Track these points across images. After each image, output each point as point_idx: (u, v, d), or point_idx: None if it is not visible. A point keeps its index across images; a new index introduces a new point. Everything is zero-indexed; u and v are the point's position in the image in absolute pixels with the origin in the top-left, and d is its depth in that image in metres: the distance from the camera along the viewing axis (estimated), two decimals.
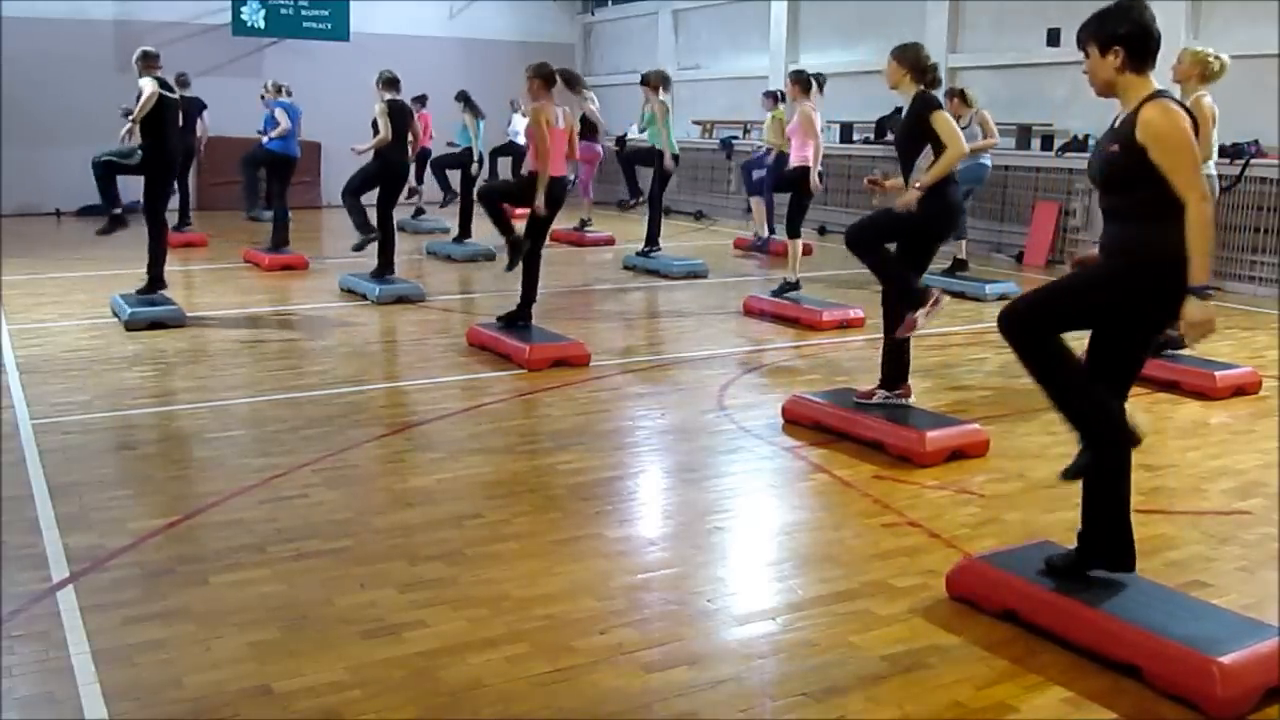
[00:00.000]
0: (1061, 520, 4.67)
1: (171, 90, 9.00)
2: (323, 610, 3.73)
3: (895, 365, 6.01)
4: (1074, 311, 3.57)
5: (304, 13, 18.53)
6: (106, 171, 9.03)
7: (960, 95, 10.38)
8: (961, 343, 8.37)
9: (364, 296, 9.89)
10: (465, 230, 13.20)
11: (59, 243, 14.42)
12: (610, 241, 14.09)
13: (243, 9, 18.06)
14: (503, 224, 7.96)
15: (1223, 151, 10.97)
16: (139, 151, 8.91)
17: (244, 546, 4.27)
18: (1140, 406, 6.57)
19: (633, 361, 7.68)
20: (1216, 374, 6.85)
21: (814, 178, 9.42)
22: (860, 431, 5.69)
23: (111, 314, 8.86)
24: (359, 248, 10.03)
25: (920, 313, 5.70)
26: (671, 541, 4.49)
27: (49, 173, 17.26)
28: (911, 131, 5.76)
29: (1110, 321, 3.53)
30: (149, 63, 9.01)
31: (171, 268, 10.02)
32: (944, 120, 5.61)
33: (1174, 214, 3.35)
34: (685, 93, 19.52)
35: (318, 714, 3.09)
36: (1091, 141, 12.53)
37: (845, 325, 8.81)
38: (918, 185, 5.61)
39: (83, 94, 17.33)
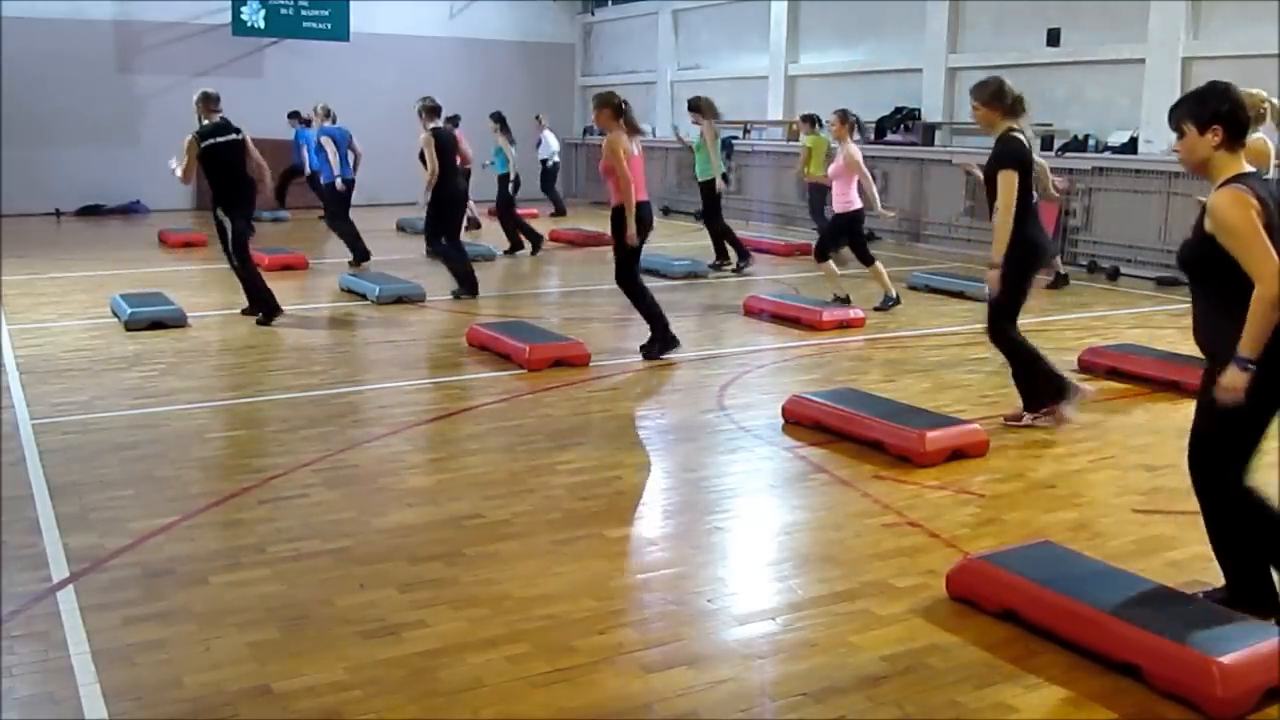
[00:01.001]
0: (1061, 520, 4.68)
1: (224, 132, 8.76)
2: (323, 610, 3.73)
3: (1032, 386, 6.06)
4: (1236, 427, 3.52)
5: (304, 13, 18.54)
6: (242, 261, 8.87)
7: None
8: (961, 343, 8.37)
9: (364, 296, 9.90)
10: (516, 243, 13.26)
11: (59, 243, 14.41)
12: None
13: (243, 9, 18.06)
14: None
15: None
16: (217, 214, 8.78)
17: (244, 546, 4.27)
18: (1141, 407, 6.58)
19: (633, 361, 7.68)
20: None
21: (881, 209, 9.76)
22: (860, 431, 5.69)
23: (111, 314, 8.86)
24: (458, 295, 10.08)
25: (1067, 406, 5.95)
26: (671, 541, 4.49)
27: (49, 173, 17.29)
28: (989, 177, 5.85)
29: (1254, 408, 3.45)
30: (199, 108, 8.87)
31: (171, 268, 10.02)
32: (1005, 180, 5.70)
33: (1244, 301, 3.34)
34: (685, 93, 19.49)
35: (318, 714, 3.09)
36: (1092, 142, 12.56)
37: (845, 325, 8.80)
38: (991, 267, 5.81)
39: (83, 94, 17.36)
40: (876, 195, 9.76)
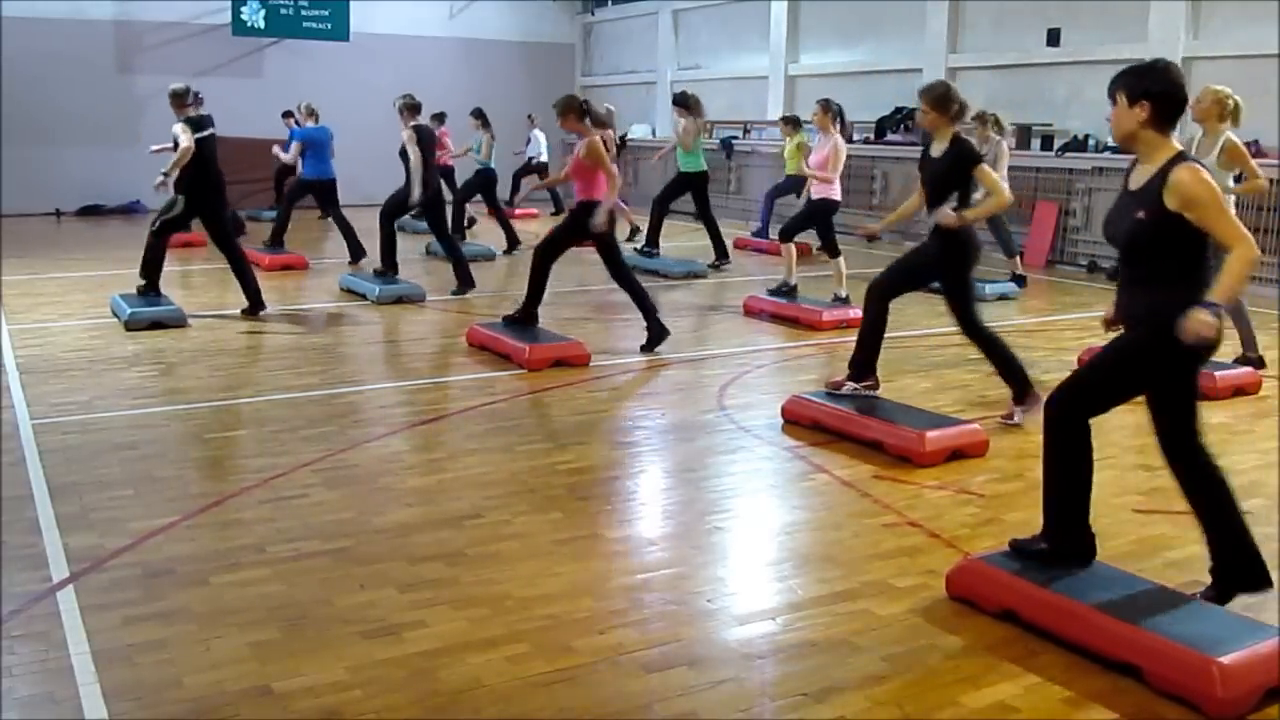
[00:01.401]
0: None
1: (205, 126, 8.88)
2: (323, 610, 3.73)
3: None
4: (1118, 387, 3.74)
5: (304, 13, 18.53)
6: (160, 238, 9.05)
7: (995, 122, 10.39)
8: (961, 343, 8.35)
9: (364, 296, 9.90)
10: (512, 239, 13.35)
11: (59, 243, 14.40)
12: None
13: (243, 9, 18.06)
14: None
15: None
16: (178, 199, 8.91)
17: (244, 546, 4.27)
18: (1141, 406, 6.57)
19: (632, 361, 7.68)
20: (1216, 374, 6.85)
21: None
22: (860, 431, 5.69)
23: (111, 314, 8.86)
24: (460, 291, 10.18)
25: (1019, 409, 6.04)
26: (671, 541, 4.49)
27: (49, 173, 17.28)
28: (948, 176, 5.91)
29: (1154, 386, 3.69)
30: (179, 103, 8.92)
31: (171, 268, 10.03)
32: (987, 173, 5.93)
33: (1195, 278, 3.49)
34: None
35: (318, 714, 3.09)
36: (1092, 142, 12.54)
37: (845, 325, 8.79)
38: (954, 211, 5.83)
39: (83, 94, 17.36)
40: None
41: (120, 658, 3.37)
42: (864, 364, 6.18)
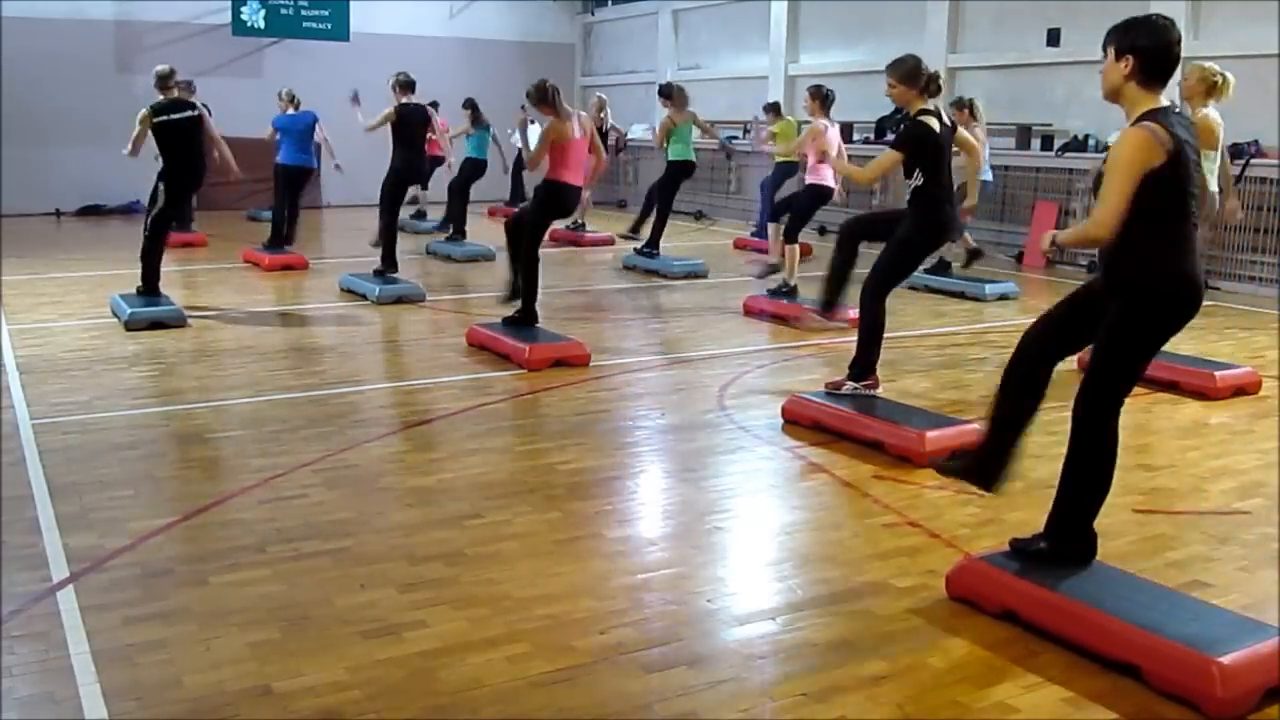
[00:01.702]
0: None
1: (179, 109, 8.91)
2: (323, 610, 3.73)
3: (865, 355, 6.19)
4: (1127, 369, 3.69)
5: (304, 13, 18.51)
6: (156, 240, 9.06)
7: (970, 108, 10.41)
8: (961, 343, 8.38)
9: (364, 296, 9.90)
10: (460, 230, 13.34)
11: (59, 243, 14.40)
12: (610, 242, 14.09)
13: (243, 9, 18.05)
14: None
15: None
16: (159, 189, 8.98)
17: (244, 546, 4.27)
18: (1140, 407, 6.58)
19: (632, 361, 7.68)
20: (1216, 374, 6.85)
21: (839, 190, 9.62)
22: (860, 431, 5.69)
23: (111, 314, 8.85)
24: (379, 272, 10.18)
25: (816, 318, 6.29)
26: (671, 541, 4.49)
27: (49, 173, 17.27)
28: (902, 150, 6.03)
29: (1140, 348, 3.67)
30: (163, 84, 8.97)
31: (171, 268, 10.03)
32: (965, 137, 6.03)
33: (1172, 245, 3.45)
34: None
35: (318, 714, 3.09)
36: (1092, 142, 12.55)
37: (845, 325, 8.79)
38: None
39: (83, 94, 17.34)
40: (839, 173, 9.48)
41: (120, 658, 3.37)
42: (864, 364, 6.19)
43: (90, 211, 17.64)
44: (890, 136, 15.14)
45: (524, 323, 7.93)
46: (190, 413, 6.22)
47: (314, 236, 14.72)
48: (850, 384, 6.17)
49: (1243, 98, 6.84)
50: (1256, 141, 10.75)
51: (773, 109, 13.46)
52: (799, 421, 6.00)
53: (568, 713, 3.13)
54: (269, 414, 6.25)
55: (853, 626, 3.66)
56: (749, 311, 9.43)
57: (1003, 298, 10.45)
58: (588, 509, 4.79)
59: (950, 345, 8.31)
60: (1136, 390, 6.87)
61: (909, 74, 5.92)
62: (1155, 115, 3.44)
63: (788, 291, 9.48)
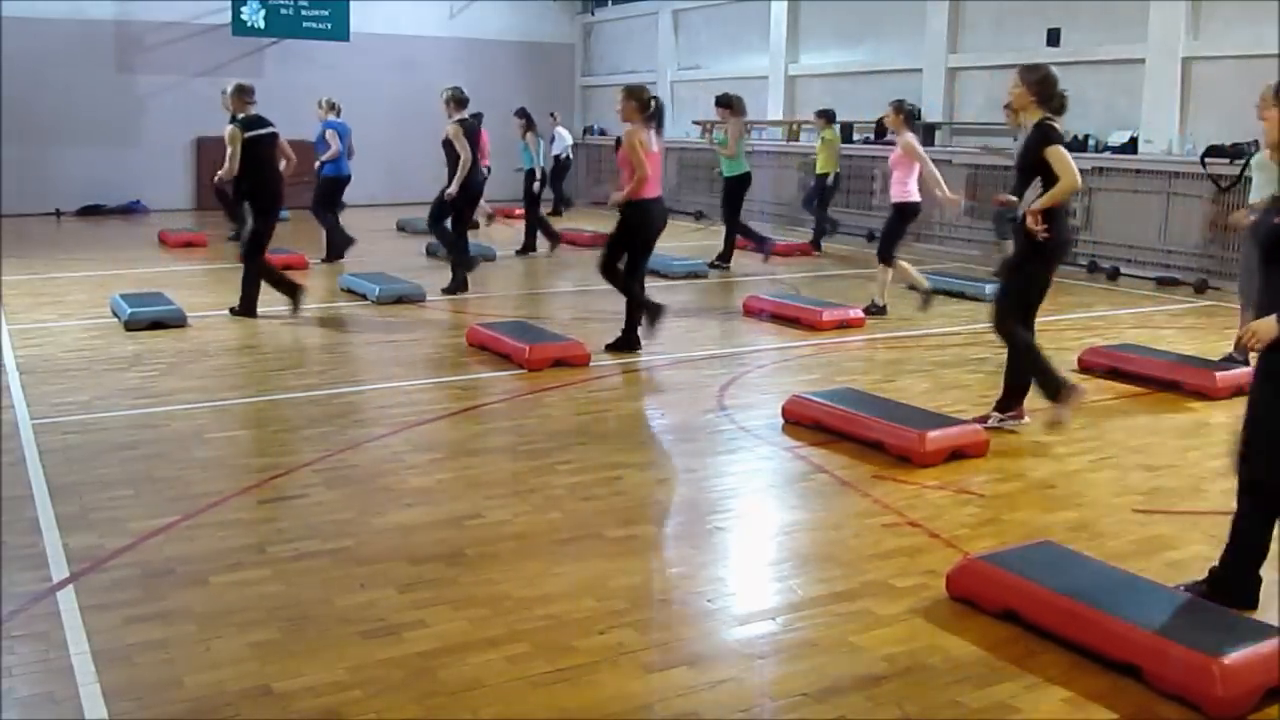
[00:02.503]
0: (1061, 520, 4.68)
1: (262, 125, 8.75)
2: (323, 610, 3.73)
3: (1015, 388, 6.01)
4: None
5: (304, 13, 18.52)
6: (252, 261, 8.93)
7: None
8: (961, 343, 8.38)
9: (364, 296, 9.90)
10: (530, 244, 13.28)
11: (59, 243, 14.40)
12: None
13: (243, 9, 18.05)
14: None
15: (1223, 151, 11.00)
16: (245, 210, 8.93)
17: (244, 546, 4.27)
18: (1141, 407, 6.58)
19: (632, 361, 7.68)
20: (1216, 374, 6.85)
21: (947, 194, 9.15)
22: (860, 431, 5.69)
23: (111, 314, 8.86)
24: (449, 291, 10.18)
25: (1065, 410, 5.72)
26: (671, 541, 4.49)
27: (49, 173, 17.28)
28: (1025, 161, 5.65)
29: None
30: (242, 98, 8.74)
31: (171, 268, 10.03)
32: (1058, 154, 5.50)
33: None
34: (685, 93, 19.53)
35: (318, 714, 3.09)
36: (1092, 142, 12.56)
37: (845, 325, 8.80)
38: (1033, 211, 5.56)
39: (83, 94, 17.36)
40: (940, 179, 9.16)
41: (120, 658, 3.37)
42: (1012, 391, 5.98)
43: (90, 211, 17.65)
44: (890, 136, 15.15)
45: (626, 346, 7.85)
46: (190, 413, 6.22)
47: (315, 237, 14.70)
48: (995, 415, 5.98)
49: (1243, 98, 6.84)
50: (1256, 141, 10.73)
51: (824, 116, 13.40)
52: (799, 421, 6.00)
53: (568, 713, 3.13)
54: (269, 414, 6.25)
55: (853, 626, 3.66)
56: (749, 311, 9.42)
57: None
58: (588, 509, 4.78)
59: (950, 345, 8.31)
60: (1136, 390, 6.94)
61: (1040, 82, 5.61)
62: None
63: (878, 310, 9.25)
